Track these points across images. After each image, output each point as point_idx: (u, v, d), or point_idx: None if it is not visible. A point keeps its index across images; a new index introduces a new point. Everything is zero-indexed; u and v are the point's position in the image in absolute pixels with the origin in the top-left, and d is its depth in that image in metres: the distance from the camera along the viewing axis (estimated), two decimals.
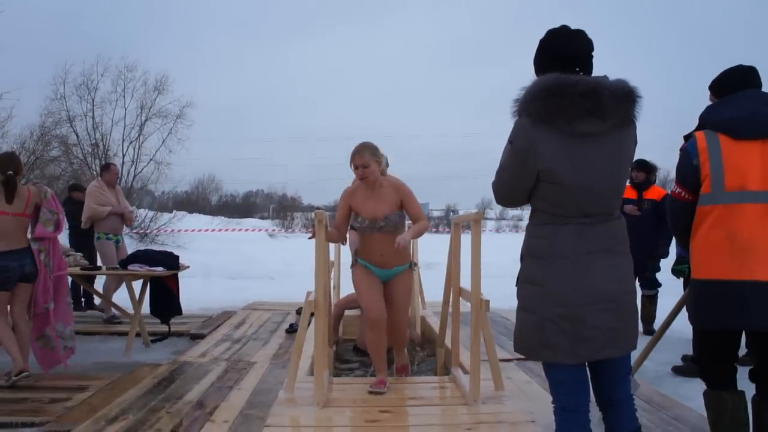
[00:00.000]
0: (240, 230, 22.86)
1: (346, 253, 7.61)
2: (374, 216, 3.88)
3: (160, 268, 5.29)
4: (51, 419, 3.45)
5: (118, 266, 5.57)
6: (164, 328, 5.85)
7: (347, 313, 5.99)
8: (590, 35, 2.23)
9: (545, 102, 2.06)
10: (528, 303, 2.24)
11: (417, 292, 6.88)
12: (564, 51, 2.17)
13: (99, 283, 6.83)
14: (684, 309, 3.07)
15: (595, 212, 2.16)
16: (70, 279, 5.16)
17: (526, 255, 2.27)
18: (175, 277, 5.59)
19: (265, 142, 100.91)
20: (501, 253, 10.88)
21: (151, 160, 20.06)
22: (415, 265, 3.93)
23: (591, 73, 2.20)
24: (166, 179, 20.79)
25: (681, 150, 2.75)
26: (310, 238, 3.75)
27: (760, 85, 2.70)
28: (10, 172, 4.21)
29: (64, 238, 5.52)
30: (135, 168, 19.92)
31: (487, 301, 3.56)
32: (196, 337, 5.87)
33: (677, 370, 4.73)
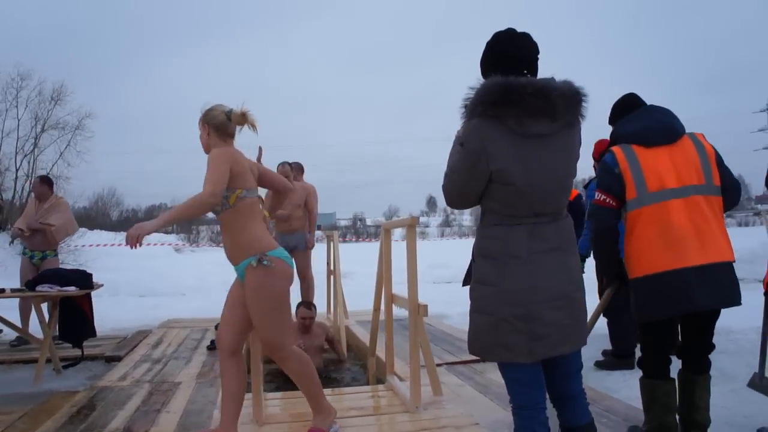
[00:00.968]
0: (145, 245, 21.83)
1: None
2: None
3: (72, 288, 4.94)
4: None
5: (23, 287, 5.16)
6: (75, 352, 5.46)
7: None
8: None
9: (497, 103, 2.08)
10: (482, 304, 2.24)
11: (340, 302, 6.83)
12: (511, 53, 2.20)
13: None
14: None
15: (545, 212, 2.20)
16: None
17: (479, 256, 2.27)
18: (88, 297, 5.24)
19: (169, 153, 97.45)
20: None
21: (47, 174, 18.85)
22: (264, 258, 2.92)
23: (536, 75, 2.24)
24: (65, 194, 19.58)
25: (600, 163, 2.98)
26: None
27: (644, 103, 3.06)
28: None
29: None
30: (30, 183, 18.67)
31: (425, 306, 3.56)
32: (112, 360, 5.52)
33: (599, 365, 4.94)
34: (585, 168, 3.63)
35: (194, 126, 3.18)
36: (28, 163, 18.70)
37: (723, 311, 2.85)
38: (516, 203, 2.17)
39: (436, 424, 3.38)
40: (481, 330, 2.25)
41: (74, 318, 5.14)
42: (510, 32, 2.26)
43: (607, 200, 2.87)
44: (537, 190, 2.15)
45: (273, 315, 3.01)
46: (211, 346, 6.03)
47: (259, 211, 3.15)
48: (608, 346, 5.09)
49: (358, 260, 14.59)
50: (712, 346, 2.97)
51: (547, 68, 2.24)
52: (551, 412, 2.31)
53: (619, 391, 4.28)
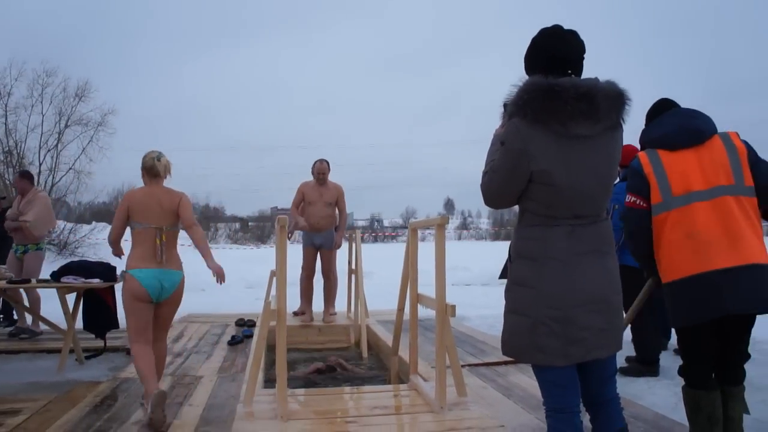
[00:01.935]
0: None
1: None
2: None
3: (96, 280, 4.97)
4: None
5: (49, 279, 5.19)
6: (97, 343, 5.50)
7: (289, 322, 5.86)
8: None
9: (540, 104, 2.04)
10: (519, 305, 2.21)
11: (362, 301, 6.81)
12: (559, 52, 2.15)
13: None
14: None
15: (585, 213, 2.16)
16: None
17: (517, 256, 2.24)
18: (112, 290, 5.27)
19: (189, 151, 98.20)
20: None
21: (70, 169, 19.11)
22: (124, 273, 3.79)
23: (581, 75, 2.19)
24: (87, 189, 19.86)
25: (629, 168, 2.96)
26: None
27: (676, 105, 3.02)
28: None
29: None
30: (53, 177, 18.93)
31: (453, 306, 3.53)
32: None
33: (624, 371, 4.86)
34: None
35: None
36: (51, 158, 19.00)
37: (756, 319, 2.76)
38: (556, 204, 2.13)
39: (462, 425, 3.34)
40: (516, 331, 2.22)
41: (98, 309, 5.18)
42: (557, 30, 2.20)
43: (638, 202, 2.84)
44: (578, 192, 2.11)
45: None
46: (232, 341, 6.07)
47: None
48: (632, 353, 5.01)
49: (376, 260, 14.55)
50: (748, 356, 2.87)
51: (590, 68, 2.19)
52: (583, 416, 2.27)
53: (643, 398, 4.20)
